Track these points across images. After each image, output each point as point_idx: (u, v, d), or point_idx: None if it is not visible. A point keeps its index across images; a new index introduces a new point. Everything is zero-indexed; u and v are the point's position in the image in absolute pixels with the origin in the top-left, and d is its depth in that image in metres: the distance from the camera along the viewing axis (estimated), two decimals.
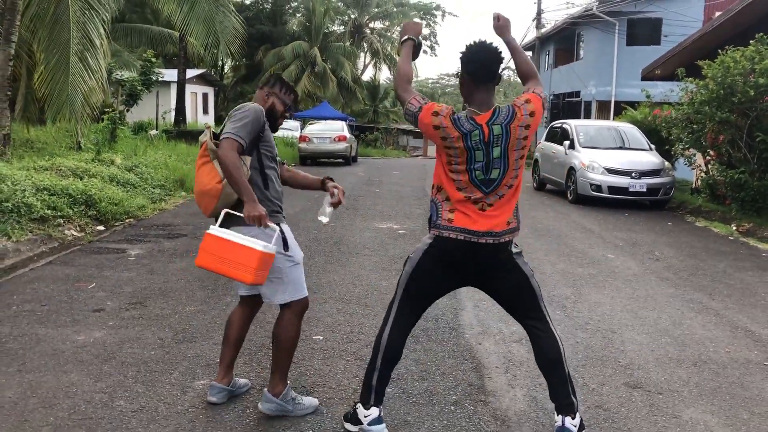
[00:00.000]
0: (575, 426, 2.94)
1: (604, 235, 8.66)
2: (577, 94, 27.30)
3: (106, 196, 8.98)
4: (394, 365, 3.10)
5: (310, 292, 5.53)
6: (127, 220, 8.91)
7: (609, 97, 24.82)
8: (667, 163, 11.91)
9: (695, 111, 10.22)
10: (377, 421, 3.01)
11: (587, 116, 25.81)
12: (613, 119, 21.69)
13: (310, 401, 3.36)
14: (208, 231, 3.06)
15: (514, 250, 2.97)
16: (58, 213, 7.91)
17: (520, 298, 3.03)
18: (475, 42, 2.91)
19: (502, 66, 2.93)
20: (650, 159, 11.82)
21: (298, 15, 43.34)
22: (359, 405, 3.05)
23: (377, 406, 3.02)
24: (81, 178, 9.59)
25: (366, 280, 5.93)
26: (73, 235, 7.80)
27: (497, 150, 2.82)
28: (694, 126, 10.78)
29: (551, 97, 30.88)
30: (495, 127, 2.82)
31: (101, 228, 8.35)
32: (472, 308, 5.09)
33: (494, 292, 3.09)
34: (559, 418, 2.97)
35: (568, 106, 28.63)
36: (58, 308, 4.93)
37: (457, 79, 3.49)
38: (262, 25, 38.66)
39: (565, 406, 2.97)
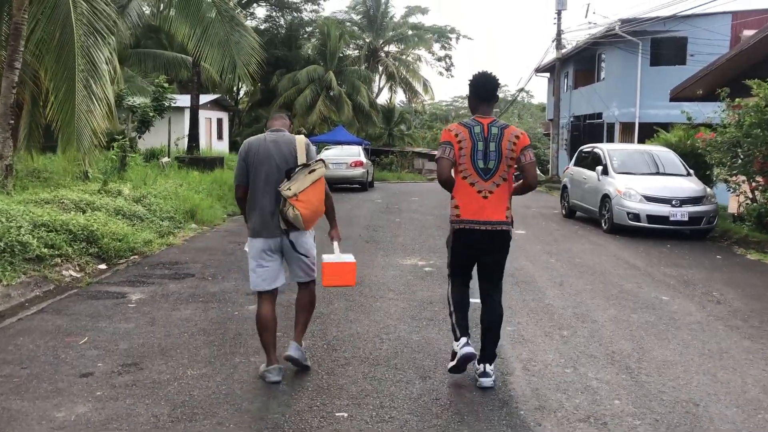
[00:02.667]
0: (493, 371, 4.03)
1: (651, 272, 7.87)
2: (599, 115, 26.54)
3: (110, 232, 8.38)
4: (466, 310, 4.16)
5: (330, 348, 4.84)
6: (132, 257, 8.28)
7: (633, 118, 24.06)
8: (709, 189, 11.12)
9: (744, 134, 9.44)
10: (467, 344, 4.03)
11: (610, 138, 25.04)
12: (641, 142, 20.92)
13: None
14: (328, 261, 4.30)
15: (511, 236, 4.08)
16: (56, 252, 7.30)
17: (495, 272, 4.14)
18: (480, 72, 4.12)
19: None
20: (690, 185, 11.03)
21: (313, 40, 43.08)
22: (453, 345, 4.15)
23: (466, 336, 4.06)
24: (84, 212, 9.00)
25: (394, 332, 5.20)
26: (71, 275, 7.18)
27: (493, 145, 3.95)
28: (739, 150, 10.02)
29: (571, 119, 30.13)
30: (493, 128, 3.99)
31: (103, 267, 7.73)
32: (521, 372, 4.34)
33: (483, 262, 4.11)
34: (481, 366, 4.03)
35: (589, 128, 27.86)
36: (41, 372, 4.26)
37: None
38: (276, 50, 38.37)
39: (490, 356, 4.05)
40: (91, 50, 8.90)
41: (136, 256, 8.31)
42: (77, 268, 7.41)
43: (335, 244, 4.34)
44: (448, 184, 4.06)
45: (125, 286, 6.83)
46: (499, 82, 4.12)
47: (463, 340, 4.04)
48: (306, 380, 4.15)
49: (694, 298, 6.61)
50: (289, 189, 3.89)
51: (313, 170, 4.00)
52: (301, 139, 4.13)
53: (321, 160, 4.09)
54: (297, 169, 3.97)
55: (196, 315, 5.68)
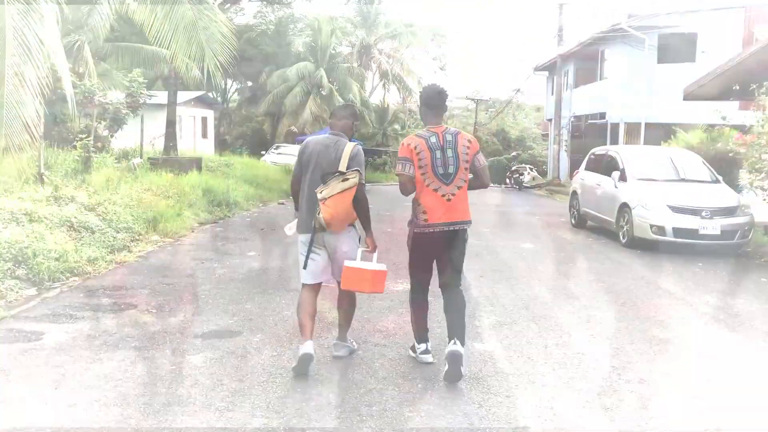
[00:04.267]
0: (462, 349, 4.20)
1: (692, 302, 6.55)
2: (602, 115, 25.22)
3: (45, 249, 7.03)
4: (425, 313, 4.59)
5: None
6: (71, 280, 6.92)
7: (639, 119, 22.78)
8: (742, 199, 9.82)
9: None
10: (425, 352, 4.54)
11: (614, 140, 23.74)
12: (649, 143, 19.65)
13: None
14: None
15: (467, 236, 4.50)
16: None
17: (459, 263, 4.50)
18: (429, 84, 4.66)
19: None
20: (721, 194, 9.73)
21: (304, 36, 41.63)
22: (415, 343, 4.61)
23: (425, 342, 4.56)
24: (19, 224, 7.63)
25: (379, 402, 3.83)
26: None
27: (450, 151, 4.35)
28: None
29: (572, 119, 28.81)
30: (447, 136, 4.40)
31: (32, 292, 6.38)
32: None
33: (448, 258, 4.43)
34: (451, 343, 4.21)
35: (591, 128, 26.56)
36: None
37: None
38: (266, 45, 36.91)
39: (460, 336, 4.25)
40: (26, 31, 7.50)
41: (75, 278, 6.96)
42: None
43: (373, 254, 4.49)
44: (410, 194, 4.42)
45: (47, 321, 5.46)
46: (447, 93, 4.53)
47: (423, 346, 4.52)
48: None
49: (757, 340, 5.28)
50: (320, 192, 4.19)
51: (346, 179, 4.21)
52: (349, 147, 4.37)
53: (357, 170, 4.29)
54: (333, 176, 4.22)
55: (119, 370, 4.31)
